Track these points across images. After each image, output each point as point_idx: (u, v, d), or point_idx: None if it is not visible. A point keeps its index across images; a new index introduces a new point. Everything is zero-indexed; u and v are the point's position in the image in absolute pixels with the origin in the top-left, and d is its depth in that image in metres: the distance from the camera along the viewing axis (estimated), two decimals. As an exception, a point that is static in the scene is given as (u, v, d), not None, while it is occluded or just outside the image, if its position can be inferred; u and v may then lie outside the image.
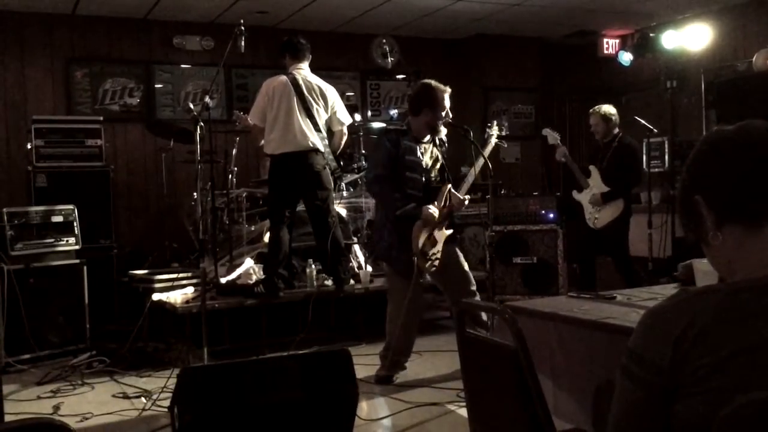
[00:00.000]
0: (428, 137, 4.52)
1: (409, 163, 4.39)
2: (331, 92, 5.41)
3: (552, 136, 5.80)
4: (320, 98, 5.32)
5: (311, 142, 5.21)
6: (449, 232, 4.45)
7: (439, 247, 4.39)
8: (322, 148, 5.28)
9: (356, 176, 6.39)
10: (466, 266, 4.60)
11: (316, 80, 5.36)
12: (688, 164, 1.27)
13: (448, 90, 4.49)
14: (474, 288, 4.56)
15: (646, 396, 1.13)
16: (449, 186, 4.45)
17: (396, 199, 4.37)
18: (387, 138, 4.50)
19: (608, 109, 5.81)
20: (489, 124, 4.99)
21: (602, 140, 5.84)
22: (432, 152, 4.53)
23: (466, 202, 4.51)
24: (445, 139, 4.63)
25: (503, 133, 4.97)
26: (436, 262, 4.40)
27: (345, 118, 5.51)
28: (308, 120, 5.23)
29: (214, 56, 7.32)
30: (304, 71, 5.34)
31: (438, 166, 4.54)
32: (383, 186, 4.43)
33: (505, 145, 5.20)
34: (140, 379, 4.76)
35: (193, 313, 4.95)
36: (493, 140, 4.85)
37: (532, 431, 1.74)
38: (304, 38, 5.54)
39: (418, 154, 4.42)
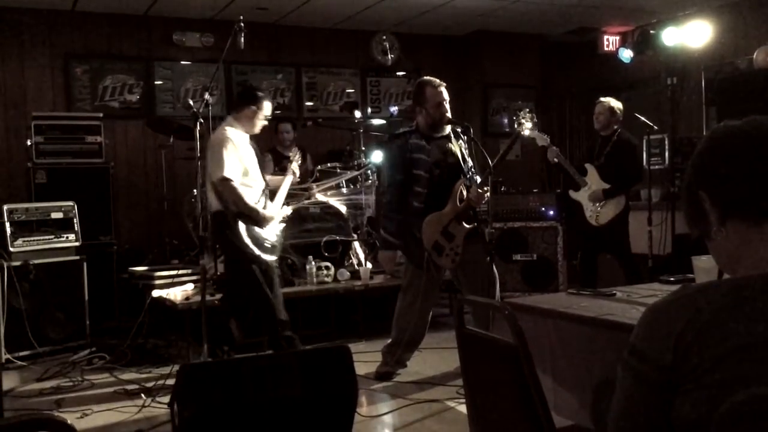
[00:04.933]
0: (445, 132, 4.50)
1: (415, 160, 4.39)
2: (212, 140, 4.52)
3: (541, 137, 5.73)
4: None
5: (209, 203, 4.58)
6: (468, 227, 4.41)
7: (458, 242, 4.37)
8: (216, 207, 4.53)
9: (356, 173, 6.38)
10: (491, 266, 4.40)
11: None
12: (692, 159, 1.27)
13: (442, 84, 4.45)
14: (496, 289, 4.38)
15: (648, 392, 1.13)
16: (463, 181, 4.42)
17: (390, 223, 4.47)
18: (395, 143, 4.52)
19: (616, 103, 5.80)
20: (521, 113, 4.70)
21: (600, 132, 5.83)
22: (446, 148, 4.47)
23: (487, 195, 4.36)
24: (461, 133, 4.53)
25: (532, 122, 4.73)
26: (456, 258, 4.38)
27: (216, 169, 4.38)
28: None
29: (214, 53, 7.31)
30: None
31: (454, 161, 4.44)
32: (393, 199, 4.46)
33: (533, 135, 5.05)
34: (140, 375, 4.76)
35: (193, 309, 4.95)
36: (527, 131, 4.60)
37: (532, 428, 1.74)
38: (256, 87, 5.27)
39: (426, 150, 4.41)
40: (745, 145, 1.19)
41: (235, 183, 4.37)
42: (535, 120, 4.68)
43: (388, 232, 4.48)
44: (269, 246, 4.58)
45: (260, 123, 4.66)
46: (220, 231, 4.51)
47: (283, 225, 4.85)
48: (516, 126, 4.62)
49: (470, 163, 4.53)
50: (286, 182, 4.88)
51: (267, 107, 4.64)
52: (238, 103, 4.69)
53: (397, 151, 4.46)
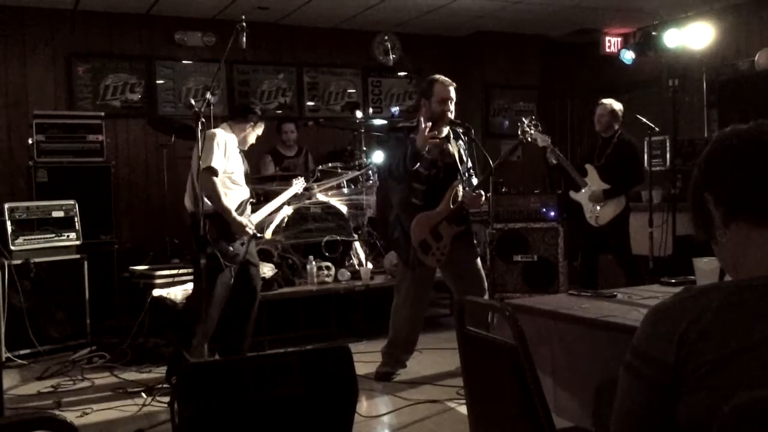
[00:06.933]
0: (444, 133, 4.49)
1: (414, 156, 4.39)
2: (204, 134, 4.33)
3: (542, 138, 5.73)
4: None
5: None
6: (458, 229, 4.42)
7: (445, 242, 4.38)
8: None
9: (357, 173, 6.38)
10: (478, 266, 4.54)
11: None
12: (699, 162, 1.28)
13: (452, 84, 4.44)
14: (484, 288, 4.49)
15: (650, 393, 1.13)
16: (459, 183, 4.42)
17: (412, 190, 4.39)
18: (395, 135, 4.53)
19: (618, 105, 5.81)
20: (526, 120, 4.81)
21: (602, 134, 5.83)
22: (444, 148, 4.45)
23: (483, 199, 4.37)
24: (462, 134, 4.53)
25: (535, 130, 4.78)
26: (441, 257, 4.39)
27: (203, 159, 4.25)
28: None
29: (216, 52, 7.31)
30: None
31: (451, 162, 4.44)
32: (403, 195, 4.45)
33: (535, 137, 5.10)
34: (140, 374, 4.76)
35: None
36: (531, 138, 4.71)
37: (532, 429, 1.74)
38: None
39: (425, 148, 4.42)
40: (750, 148, 1.21)
41: (217, 177, 4.32)
42: (539, 129, 4.72)
43: (411, 204, 4.44)
44: (231, 252, 4.39)
45: (250, 140, 4.73)
46: (194, 231, 4.29)
47: (252, 237, 4.58)
48: (520, 133, 4.64)
49: (468, 164, 4.54)
50: (283, 195, 4.98)
51: (261, 128, 4.75)
52: (236, 116, 4.80)
53: (396, 145, 4.47)
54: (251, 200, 4.67)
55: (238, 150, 4.62)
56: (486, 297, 4.46)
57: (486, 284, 4.53)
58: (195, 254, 4.30)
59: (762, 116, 1.28)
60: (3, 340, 4.82)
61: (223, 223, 4.32)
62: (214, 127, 4.58)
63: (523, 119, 4.92)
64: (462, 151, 4.52)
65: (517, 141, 4.80)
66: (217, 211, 4.30)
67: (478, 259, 4.60)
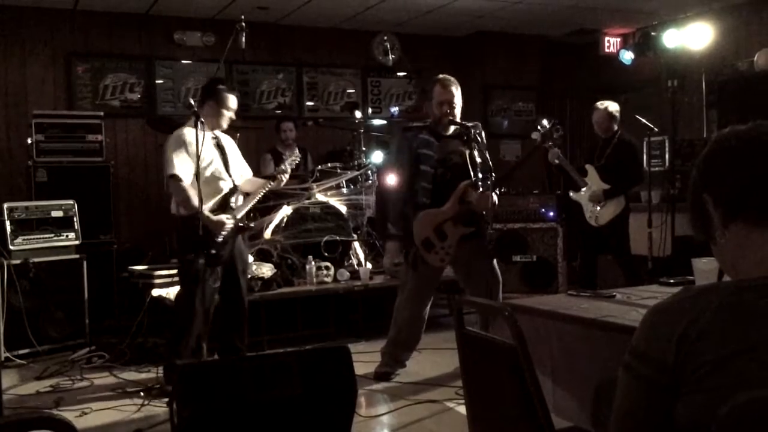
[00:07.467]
0: (450, 131, 4.46)
1: (422, 155, 4.39)
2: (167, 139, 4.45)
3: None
4: None
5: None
6: (465, 230, 4.35)
7: (450, 242, 4.34)
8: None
9: (356, 173, 6.38)
10: (490, 268, 4.41)
11: None
12: (698, 163, 1.28)
13: (452, 84, 4.41)
14: (498, 291, 4.39)
15: (649, 393, 1.14)
16: (468, 183, 4.37)
17: (396, 214, 4.41)
18: (405, 135, 4.53)
19: (614, 106, 5.81)
20: (545, 124, 4.70)
21: (602, 136, 5.84)
22: (454, 147, 4.43)
23: (493, 201, 4.21)
24: (478, 136, 4.45)
25: (557, 135, 4.73)
26: (446, 257, 4.37)
27: (165, 167, 4.30)
28: None
29: (215, 52, 7.30)
30: None
31: (461, 162, 4.38)
32: (401, 190, 4.46)
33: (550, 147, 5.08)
34: (139, 374, 4.76)
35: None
36: (548, 146, 4.74)
37: (532, 429, 1.74)
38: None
39: (433, 147, 4.40)
40: (748, 148, 1.21)
41: (185, 182, 4.14)
42: (560, 133, 4.69)
43: (391, 222, 4.45)
44: (213, 254, 4.20)
45: (225, 118, 4.41)
46: (176, 232, 4.31)
47: (237, 231, 4.41)
48: (539, 139, 4.60)
49: (489, 164, 4.37)
50: (258, 194, 4.55)
51: (230, 100, 4.39)
52: (200, 99, 4.47)
53: (404, 144, 4.47)
54: (236, 187, 4.45)
55: (214, 142, 4.39)
56: (500, 299, 4.41)
57: (500, 287, 4.46)
58: (178, 257, 4.28)
59: (761, 117, 1.28)
60: (2, 339, 4.82)
61: (202, 224, 4.08)
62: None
63: (544, 122, 4.80)
64: (475, 152, 4.44)
65: (534, 146, 4.76)
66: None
67: (494, 262, 4.50)
